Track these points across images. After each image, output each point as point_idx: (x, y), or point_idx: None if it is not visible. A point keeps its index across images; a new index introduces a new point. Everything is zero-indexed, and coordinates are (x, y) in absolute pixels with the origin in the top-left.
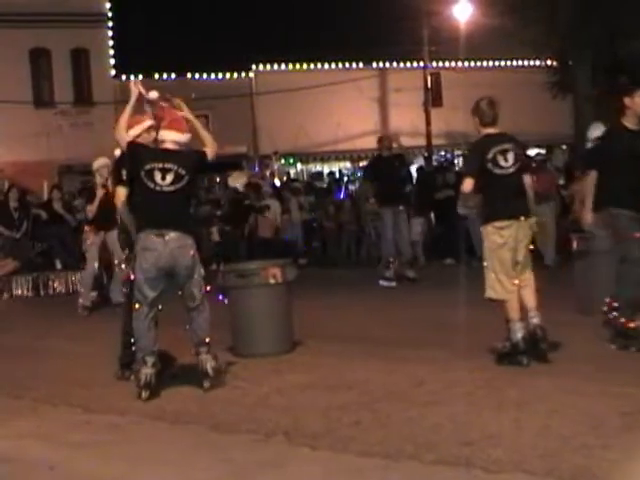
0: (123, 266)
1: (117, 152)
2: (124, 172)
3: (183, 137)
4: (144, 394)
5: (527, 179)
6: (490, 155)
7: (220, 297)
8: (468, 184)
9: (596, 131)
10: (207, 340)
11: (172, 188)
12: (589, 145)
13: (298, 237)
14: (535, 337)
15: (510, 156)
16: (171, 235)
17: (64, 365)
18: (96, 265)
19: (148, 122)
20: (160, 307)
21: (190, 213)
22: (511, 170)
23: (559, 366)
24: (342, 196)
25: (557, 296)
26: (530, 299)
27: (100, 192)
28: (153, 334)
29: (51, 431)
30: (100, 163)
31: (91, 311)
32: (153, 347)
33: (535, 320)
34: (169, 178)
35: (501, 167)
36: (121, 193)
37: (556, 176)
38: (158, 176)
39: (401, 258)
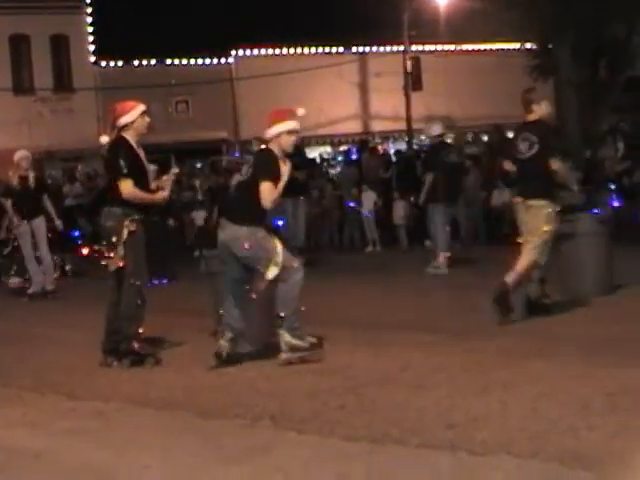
0: (112, 254)
1: (104, 139)
2: (123, 163)
3: None
4: (213, 362)
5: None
6: None
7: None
8: None
9: (435, 129)
10: (281, 314)
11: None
12: (428, 142)
13: (279, 223)
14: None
15: None
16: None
17: (50, 352)
18: (31, 251)
19: (142, 107)
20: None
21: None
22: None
23: (545, 348)
24: None
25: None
26: None
27: (16, 183)
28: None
29: (37, 419)
30: (20, 155)
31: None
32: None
33: None
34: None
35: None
36: (128, 184)
37: None
38: None
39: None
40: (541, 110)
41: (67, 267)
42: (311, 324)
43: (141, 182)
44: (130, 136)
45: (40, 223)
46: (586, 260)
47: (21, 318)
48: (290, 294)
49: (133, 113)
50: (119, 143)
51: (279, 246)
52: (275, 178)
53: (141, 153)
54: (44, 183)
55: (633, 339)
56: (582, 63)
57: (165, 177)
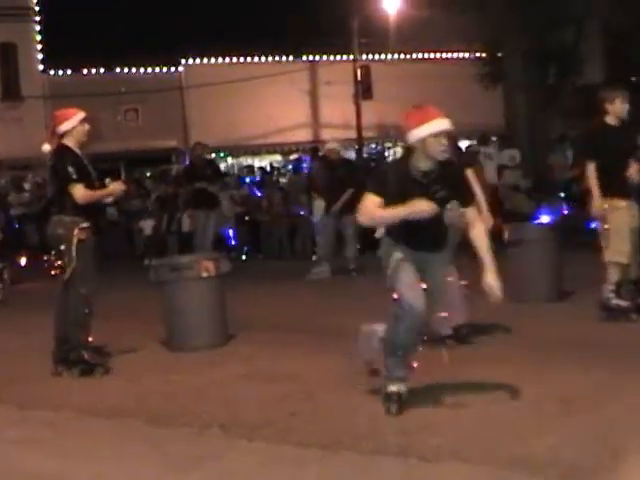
0: (60, 262)
1: (45, 147)
2: (71, 169)
3: None
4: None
5: None
6: None
7: None
8: None
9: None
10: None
11: None
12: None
13: (231, 231)
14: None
15: None
16: None
17: None
18: None
19: (81, 114)
20: None
21: None
22: None
23: (496, 353)
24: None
25: None
26: None
27: None
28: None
29: None
30: None
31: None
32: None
33: None
34: None
35: None
36: (80, 189)
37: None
38: None
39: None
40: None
41: (5, 276)
42: (262, 331)
43: (91, 188)
44: (71, 143)
45: None
46: (536, 267)
47: None
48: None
49: (72, 120)
50: (62, 150)
51: None
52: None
53: (85, 160)
54: None
55: (584, 344)
56: (531, 69)
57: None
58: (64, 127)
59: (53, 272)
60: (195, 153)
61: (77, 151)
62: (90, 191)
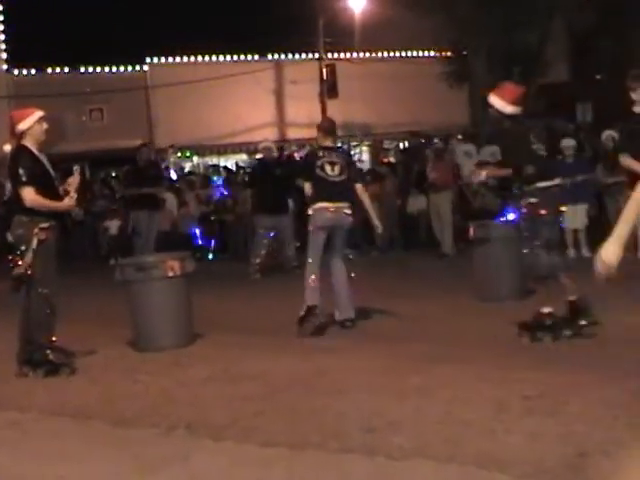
0: (20, 262)
1: (6, 148)
2: (22, 171)
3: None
4: None
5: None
6: None
7: None
8: None
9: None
10: None
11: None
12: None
13: (196, 230)
14: None
15: None
16: None
17: None
18: None
19: (39, 113)
20: None
21: None
22: None
23: (460, 352)
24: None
25: (456, 283)
26: None
27: None
28: None
29: None
30: None
31: None
32: None
33: None
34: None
35: None
36: (30, 192)
37: (453, 166)
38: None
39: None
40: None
41: None
42: (228, 331)
43: (47, 188)
44: (30, 143)
45: None
46: (501, 265)
47: None
48: None
49: (30, 119)
50: (18, 151)
51: None
52: None
53: (44, 159)
54: None
55: (547, 342)
56: (496, 69)
57: (70, 179)
58: (21, 126)
59: (15, 273)
60: (142, 157)
61: (35, 151)
62: (39, 197)
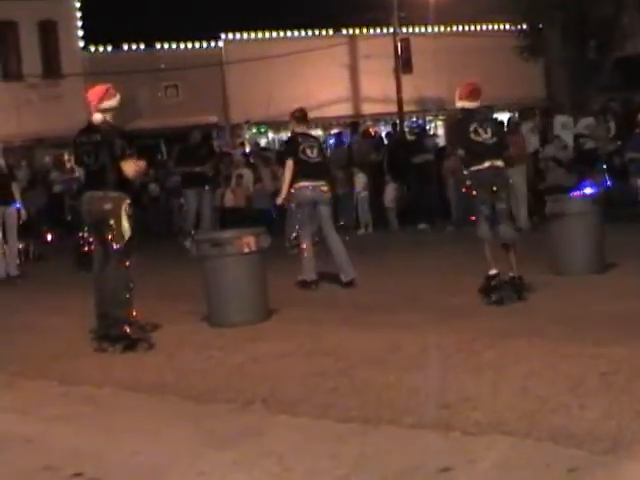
0: (110, 237)
1: (97, 117)
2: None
3: None
4: None
5: None
6: None
7: None
8: None
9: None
10: None
11: None
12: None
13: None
14: None
15: None
16: None
17: (38, 338)
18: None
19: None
20: None
21: None
22: None
23: (536, 327)
24: None
25: (531, 258)
26: None
27: None
28: None
29: (27, 404)
30: None
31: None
32: None
33: None
34: None
35: None
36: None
37: (528, 139)
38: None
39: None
40: None
41: (31, 252)
42: (302, 307)
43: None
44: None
45: (12, 210)
46: (578, 240)
47: (4, 305)
48: None
49: (117, 98)
50: (111, 126)
51: None
52: None
53: None
54: (13, 171)
55: (625, 317)
56: (572, 43)
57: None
58: (109, 104)
59: (86, 249)
60: (194, 137)
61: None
62: (137, 162)
